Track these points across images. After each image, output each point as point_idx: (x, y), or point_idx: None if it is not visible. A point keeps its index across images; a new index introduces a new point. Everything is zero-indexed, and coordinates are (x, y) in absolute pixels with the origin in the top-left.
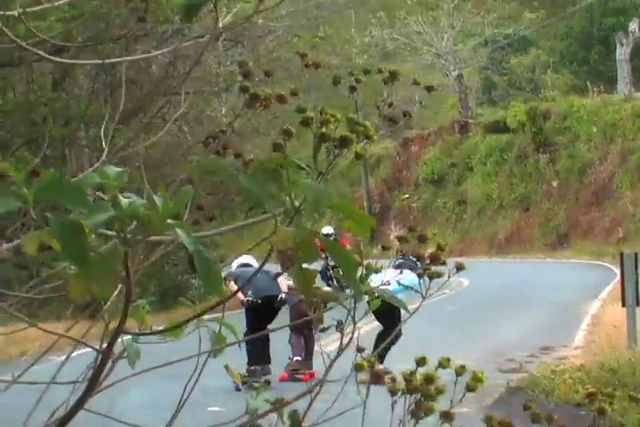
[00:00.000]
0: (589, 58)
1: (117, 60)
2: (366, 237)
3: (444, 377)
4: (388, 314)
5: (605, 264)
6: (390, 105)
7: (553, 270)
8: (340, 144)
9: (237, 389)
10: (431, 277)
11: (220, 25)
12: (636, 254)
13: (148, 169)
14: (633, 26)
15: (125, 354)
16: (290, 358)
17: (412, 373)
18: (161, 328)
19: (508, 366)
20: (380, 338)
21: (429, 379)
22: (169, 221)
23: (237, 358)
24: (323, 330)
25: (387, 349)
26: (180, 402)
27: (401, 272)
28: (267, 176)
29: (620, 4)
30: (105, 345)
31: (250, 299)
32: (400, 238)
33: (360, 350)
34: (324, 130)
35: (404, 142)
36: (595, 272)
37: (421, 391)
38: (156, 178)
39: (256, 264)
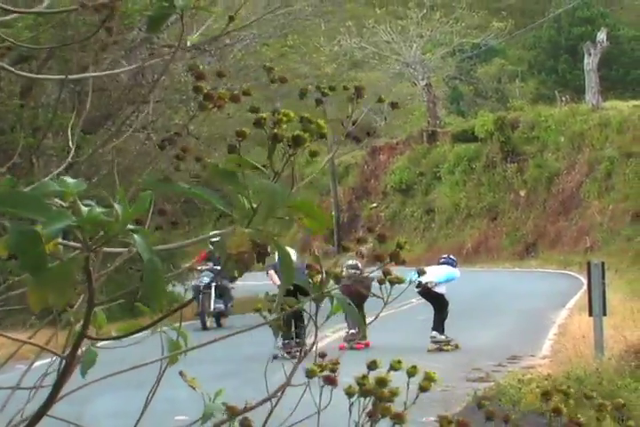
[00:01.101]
0: (557, 67)
1: (80, 76)
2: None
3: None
4: (432, 297)
5: (572, 274)
6: (354, 124)
7: (520, 280)
8: (293, 144)
9: (275, 357)
10: (392, 283)
11: (189, 43)
12: (603, 264)
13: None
14: (601, 36)
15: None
16: (347, 332)
17: (365, 376)
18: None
19: (475, 376)
20: (435, 317)
21: (381, 382)
22: (129, 226)
23: (201, 365)
24: (285, 336)
25: (441, 323)
26: (142, 410)
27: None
28: (223, 179)
29: (588, 13)
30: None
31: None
32: (359, 240)
33: (322, 355)
34: (276, 130)
35: (372, 151)
36: (562, 282)
37: (374, 394)
38: (124, 186)
39: (295, 256)
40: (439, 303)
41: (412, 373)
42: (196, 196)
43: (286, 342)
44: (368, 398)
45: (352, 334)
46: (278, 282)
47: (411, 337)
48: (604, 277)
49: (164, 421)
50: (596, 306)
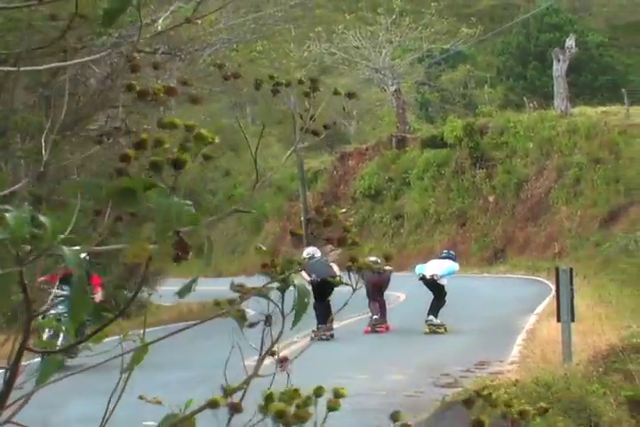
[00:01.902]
0: (526, 73)
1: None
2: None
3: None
4: (435, 287)
5: (541, 279)
6: (312, 118)
7: (489, 285)
8: (175, 168)
9: (312, 338)
10: (360, 269)
11: (159, 28)
12: (571, 269)
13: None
14: (570, 42)
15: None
16: (370, 318)
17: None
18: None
19: (443, 381)
20: (433, 303)
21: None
22: (67, 236)
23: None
24: (251, 325)
25: (437, 309)
26: (104, 415)
27: (448, 257)
28: (122, 199)
29: (557, 20)
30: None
31: (313, 279)
32: (311, 220)
33: (281, 360)
34: (153, 158)
35: (341, 157)
36: (530, 287)
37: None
38: (91, 190)
39: (318, 254)
40: (439, 292)
41: (317, 393)
42: (106, 195)
43: (320, 325)
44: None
45: (375, 319)
46: (308, 278)
47: (375, 344)
48: (572, 283)
49: (132, 426)
50: (565, 312)
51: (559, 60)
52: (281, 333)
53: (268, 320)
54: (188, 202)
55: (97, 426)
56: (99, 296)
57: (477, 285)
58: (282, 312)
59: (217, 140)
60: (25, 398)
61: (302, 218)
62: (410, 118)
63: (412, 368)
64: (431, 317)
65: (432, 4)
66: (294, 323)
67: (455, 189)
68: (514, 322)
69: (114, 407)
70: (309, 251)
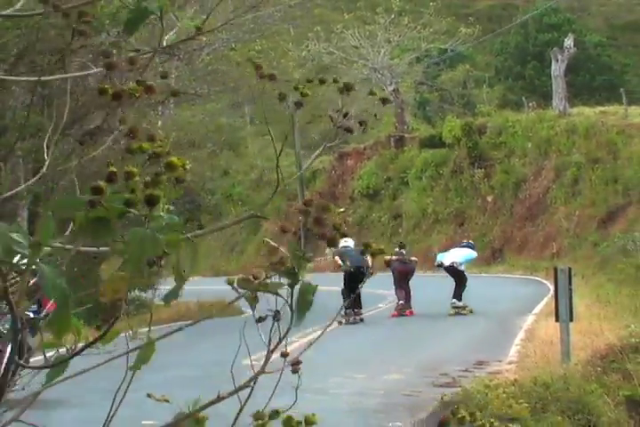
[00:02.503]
0: (524, 73)
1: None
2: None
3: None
4: (455, 273)
5: (539, 279)
6: (345, 115)
7: (487, 285)
8: (148, 204)
9: (339, 323)
10: (374, 255)
11: (164, 43)
12: (569, 269)
13: (83, 181)
14: (568, 42)
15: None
16: (397, 303)
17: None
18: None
19: (441, 381)
20: (456, 288)
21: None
22: (53, 244)
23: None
24: (259, 320)
25: (460, 293)
26: (108, 415)
27: (468, 246)
28: (96, 228)
29: (555, 20)
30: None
31: (347, 268)
32: (302, 211)
33: (284, 355)
34: (127, 196)
35: (339, 156)
36: (528, 287)
37: None
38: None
39: (352, 244)
40: (460, 278)
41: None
42: (78, 228)
43: (348, 310)
44: None
45: (401, 304)
46: (340, 264)
47: (375, 343)
48: (570, 283)
49: (132, 425)
50: (563, 312)
51: (558, 60)
52: (289, 329)
53: (276, 316)
54: (173, 217)
55: (95, 425)
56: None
57: (475, 284)
58: (291, 308)
59: (188, 167)
60: (31, 398)
61: (300, 217)
62: (408, 118)
63: (410, 368)
64: (454, 300)
65: (431, 3)
66: (298, 320)
67: (453, 189)
68: (512, 322)
69: (118, 406)
70: (345, 240)
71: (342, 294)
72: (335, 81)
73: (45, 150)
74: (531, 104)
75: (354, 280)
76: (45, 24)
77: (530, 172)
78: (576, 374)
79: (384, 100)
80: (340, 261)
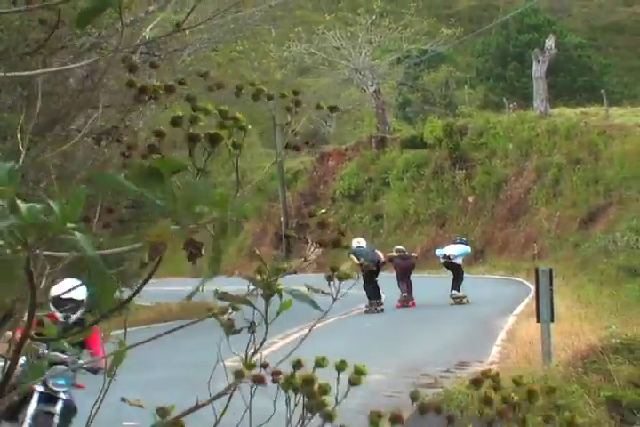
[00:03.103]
0: (505, 74)
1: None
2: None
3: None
4: (452, 267)
5: (520, 280)
6: (294, 133)
7: (468, 286)
8: (210, 143)
9: (365, 312)
10: (340, 279)
11: (147, 37)
12: (550, 270)
13: (62, 181)
14: (549, 43)
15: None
16: (400, 295)
17: (292, 375)
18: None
19: (423, 381)
20: (454, 281)
21: (307, 380)
22: (70, 224)
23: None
24: (234, 332)
25: (458, 285)
26: (89, 417)
27: (462, 242)
28: (147, 179)
29: (536, 20)
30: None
31: (363, 263)
32: (303, 225)
33: (264, 366)
34: (190, 131)
35: (321, 157)
36: (509, 288)
37: (305, 392)
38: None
39: (364, 244)
40: (457, 271)
41: (340, 368)
42: (135, 192)
43: (372, 301)
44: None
45: (405, 296)
46: (357, 262)
47: (356, 344)
48: (551, 284)
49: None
50: (544, 312)
51: (539, 61)
52: (264, 340)
53: (251, 327)
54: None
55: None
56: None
57: None
58: (265, 320)
59: (250, 127)
60: (16, 392)
61: (282, 218)
62: (389, 119)
63: (391, 368)
64: (454, 291)
65: (412, 4)
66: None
67: (435, 190)
68: (493, 322)
69: (98, 407)
70: (358, 240)
71: (364, 288)
72: (318, 106)
73: (20, 144)
74: (512, 105)
75: (370, 274)
76: (24, 25)
77: (511, 172)
78: (557, 374)
79: (332, 109)
80: (357, 260)
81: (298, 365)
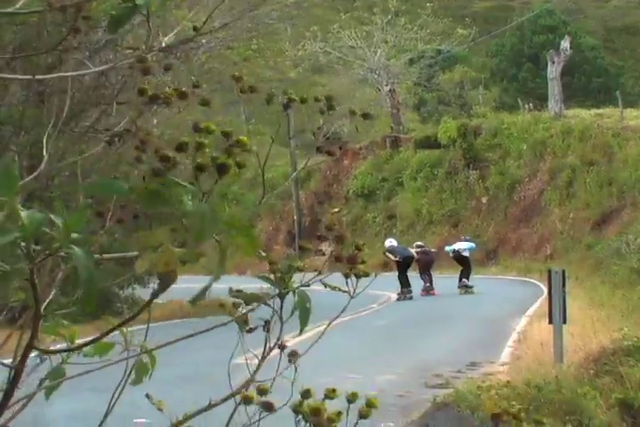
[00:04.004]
0: (519, 75)
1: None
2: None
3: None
4: (462, 260)
5: (533, 281)
6: (326, 137)
7: (481, 286)
8: (218, 172)
9: (397, 299)
10: (357, 276)
11: (163, 44)
12: (563, 271)
13: (76, 179)
14: (564, 44)
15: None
16: (424, 285)
17: (300, 404)
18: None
19: (434, 382)
20: (463, 271)
21: (316, 411)
22: (73, 235)
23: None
24: (249, 330)
25: (468, 275)
26: (106, 413)
27: (467, 240)
28: (150, 201)
29: (551, 21)
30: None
31: (398, 259)
32: (319, 237)
33: (282, 347)
34: (199, 161)
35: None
36: (522, 289)
37: (313, 423)
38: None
39: (396, 242)
40: (466, 263)
41: (352, 399)
42: (136, 196)
43: (404, 289)
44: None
45: (427, 286)
46: (394, 258)
47: (367, 343)
48: (564, 285)
49: (124, 423)
50: (557, 314)
51: (554, 63)
52: (279, 339)
53: (266, 326)
54: (244, 193)
55: (88, 423)
56: None
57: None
58: (281, 318)
59: (255, 149)
60: (26, 400)
61: (295, 217)
62: (404, 119)
63: (403, 368)
64: (464, 280)
65: (427, 4)
66: (301, 328)
67: (448, 190)
68: (505, 323)
69: (113, 404)
70: (390, 240)
71: (398, 278)
72: (317, 100)
73: (44, 146)
74: (528, 105)
75: (405, 267)
76: (43, 21)
77: (525, 173)
78: (569, 376)
79: (365, 116)
80: (392, 257)
81: (307, 394)
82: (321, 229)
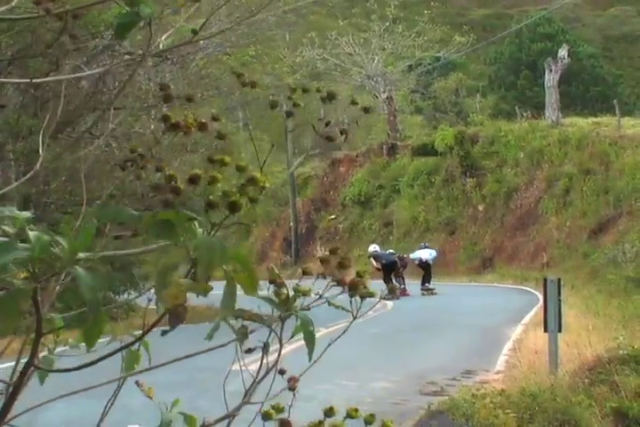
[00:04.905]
0: (517, 83)
1: (46, 79)
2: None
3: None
4: (426, 266)
5: (529, 289)
6: (327, 124)
7: (476, 294)
8: (229, 210)
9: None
10: (362, 297)
11: (161, 46)
12: (559, 280)
13: (74, 184)
14: (562, 52)
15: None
16: (399, 287)
17: (321, 423)
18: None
19: (429, 389)
20: (425, 276)
21: None
22: (80, 255)
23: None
24: (248, 351)
25: (429, 279)
26: (101, 417)
27: (427, 247)
28: (159, 230)
29: (549, 30)
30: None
31: (384, 263)
32: (323, 260)
33: (282, 372)
34: (210, 198)
35: (332, 163)
36: (518, 297)
37: None
38: (80, 193)
39: (378, 248)
40: (429, 270)
41: (369, 421)
42: (142, 223)
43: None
44: None
45: (403, 288)
46: (376, 265)
47: (362, 350)
48: (560, 294)
49: None
50: (552, 322)
51: (551, 71)
52: (277, 361)
53: (265, 348)
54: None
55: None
56: None
57: (465, 293)
58: (280, 340)
59: (268, 185)
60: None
61: (291, 224)
62: (401, 126)
63: (398, 376)
64: (426, 284)
65: (425, 11)
66: (309, 354)
67: (445, 198)
68: (501, 331)
69: (108, 409)
70: (373, 246)
71: (385, 282)
72: (318, 90)
73: (40, 146)
74: (525, 114)
75: (389, 272)
76: (40, 26)
77: (521, 182)
78: (563, 385)
79: (365, 110)
80: (374, 262)
81: (330, 413)
82: (317, 242)
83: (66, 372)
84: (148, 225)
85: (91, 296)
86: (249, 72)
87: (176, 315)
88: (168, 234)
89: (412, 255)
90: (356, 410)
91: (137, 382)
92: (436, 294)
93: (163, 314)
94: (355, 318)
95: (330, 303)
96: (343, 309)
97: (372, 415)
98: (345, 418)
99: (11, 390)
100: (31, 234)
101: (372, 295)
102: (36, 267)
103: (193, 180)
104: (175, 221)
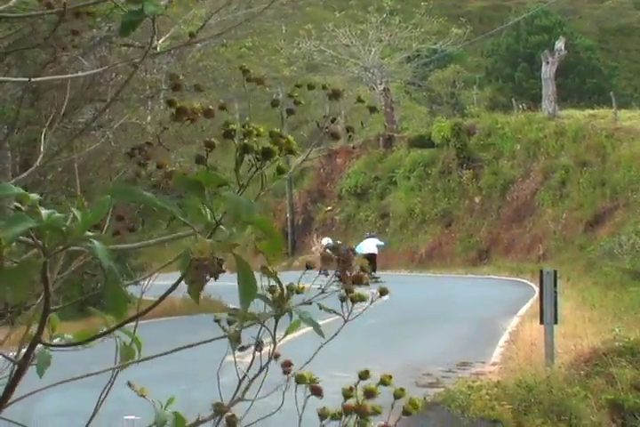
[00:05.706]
0: (514, 75)
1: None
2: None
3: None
4: (372, 257)
5: (525, 281)
6: (333, 121)
7: (473, 286)
8: (262, 156)
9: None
10: (353, 301)
11: (159, 48)
12: (555, 272)
13: (70, 175)
14: (559, 44)
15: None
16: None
17: (352, 388)
18: (74, 339)
19: (425, 381)
20: (371, 265)
21: (370, 393)
22: (88, 233)
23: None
24: (241, 349)
25: (374, 269)
26: (96, 408)
27: (372, 237)
28: (188, 189)
29: (547, 22)
30: (23, 353)
31: (362, 254)
32: (324, 258)
33: (276, 357)
34: (246, 141)
35: (328, 155)
36: (514, 289)
37: (358, 412)
38: (78, 184)
39: (331, 242)
40: (374, 260)
41: (386, 383)
42: (158, 206)
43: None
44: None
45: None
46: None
47: (358, 342)
48: (556, 286)
49: (114, 420)
50: (548, 314)
51: (548, 63)
52: (270, 359)
53: (259, 346)
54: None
55: (76, 419)
56: None
57: (461, 285)
58: (274, 338)
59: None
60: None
61: (288, 215)
62: (397, 118)
63: (394, 367)
64: (372, 273)
65: (422, 3)
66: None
67: (441, 190)
68: (497, 323)
69: (102, 400)
70: (326, 239)
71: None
72: (324, 87)
73: (42, 141)
74: (522, 106)
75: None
76: (37, 19)
77: (518, 174)
78: (559, 376)
79: (372, 109)
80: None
81: (365, 375)
82: (314, 233)
83: (70, 346)
84: (178, 183)
85: (109, 263)
86: (245, 64)
87: (207, 269)
88: (197, 192)
89: (357, 249)
90: (390, 377)
91: (129, 383)
92: (382, 281)
93: (157, 302)
94: (346, 321)
95: (321, 307)
96: (334, 312)
97: (402, 389)
98: (378, 384)
99: (16, 368)
100: (42, 210)
101: (363, 299)
102: (47, 241)
103: (228, 134)
104: (205, 182)
